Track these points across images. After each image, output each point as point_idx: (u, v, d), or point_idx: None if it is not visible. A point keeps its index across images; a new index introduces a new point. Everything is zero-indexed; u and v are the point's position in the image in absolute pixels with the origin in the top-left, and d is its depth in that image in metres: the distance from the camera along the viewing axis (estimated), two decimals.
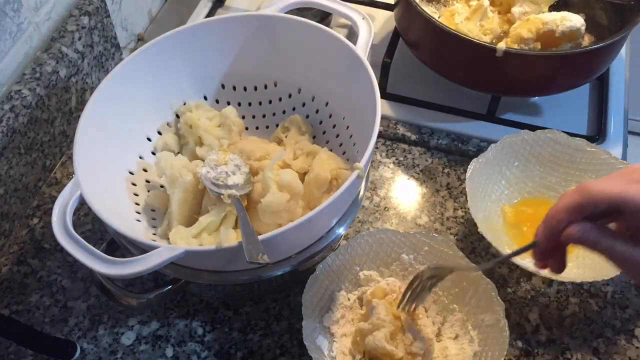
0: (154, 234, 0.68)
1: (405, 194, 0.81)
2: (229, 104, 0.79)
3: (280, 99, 0.79)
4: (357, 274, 0.69)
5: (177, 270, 0.61)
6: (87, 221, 0.78)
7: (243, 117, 0.79)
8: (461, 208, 0.80)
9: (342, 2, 0.76)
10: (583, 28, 0.80)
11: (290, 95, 0.78)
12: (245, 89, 0.79)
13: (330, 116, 0.76)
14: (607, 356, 0.68)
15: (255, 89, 0.79)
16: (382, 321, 0.63)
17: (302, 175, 0.70)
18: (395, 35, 0.92)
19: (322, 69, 0.74)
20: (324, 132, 0.77)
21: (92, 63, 0.86)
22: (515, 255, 0.60)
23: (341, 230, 0.64)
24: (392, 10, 0.95)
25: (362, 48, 0.70)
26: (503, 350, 0.61)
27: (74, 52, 0.81)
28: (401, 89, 0.91)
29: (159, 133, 0.76)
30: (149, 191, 0.72)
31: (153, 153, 0.74)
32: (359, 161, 0.60)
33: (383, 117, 0.87)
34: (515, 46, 0.80)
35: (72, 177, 0.61)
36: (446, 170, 0.84)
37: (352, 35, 0.97)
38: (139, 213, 0.69)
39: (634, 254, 0.48)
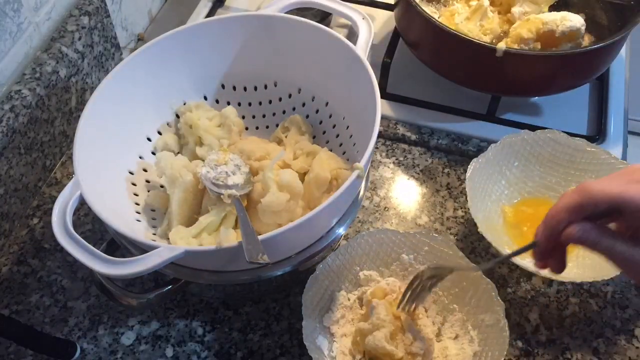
0: (154, 234, 0.68)
1: (405, 194, 0.82)
2: (229, 104, 0.79)
3: (280, 99, 0.79)
4: (357, 274, 0.69)
5: (177, 270, 0.61)
6: (87, 221, 0.78)
7: (243, 117, 0.79)
8: (461, 208, 0.80)
9: (342, 2, 0.76)
10: (583, 28, 0.80)
11: (290, 95, 0.78)
12: (245, 89, 0.79)
13: (330, 116, 0.76)
14: (607, 356, 0.68)
15: (255, 89, 0.79)
16: (382, 321, 0.63)
17: (302, 175, 0.70)
18: (395, 35, 0.92)
19: (322, 69, 0.74)
20: (324, 132, 0.77)
21: (92, 63, 0.86)
22: (515, 255, 0.60)
23: (341, 230, 0.64)
24: (392, 10, 0.95)
25: (362, 48, 0.70)
26: (503, 350, 0.61)
27: (74, 52, 0.81)
28: (401, 89, 0.91)
29: (159, 133, 0.76)
30: (149, 191, 0.72)
31: (153, 153, 0.74)
32: (359, 161, 0.60)
33: (383, 117, 0.87)
34: (515, 46, 0.80)
35: (72, 177, 0.61)
36: (446, 170, 0.84)
37: (352, 35, 0.97)
38: (139, 213, 0.69)
39: (634, 253, 0.48)
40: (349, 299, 0.68)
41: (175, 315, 0.70)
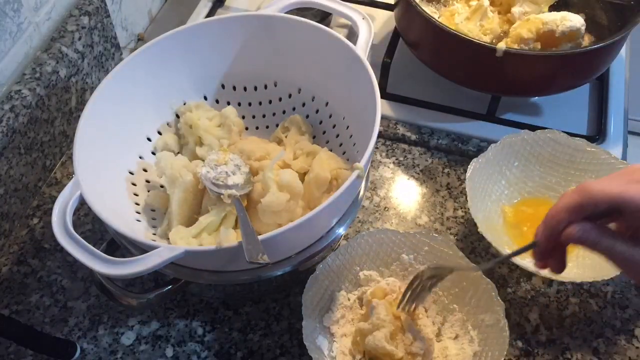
0: (154, 234, 0.68)
1: (405, 194, 0.81)
2: (229, 104, 0.79)
3: (280, 99, 0.79)
4: (357, 274, 0.69)
5: (177, 270, 0.61)
6: (87, 221, 0.78)
7: (243, 117, 0.79)
8: (461, 208, 0.80)
9: (342, 2, 0.76)
10: (583, 28, 0.80)
11: (290, 95, 0.78)
12: (245, 89, 0.79)
13: (330, 116, 0.76)
14: (607, 356, 0.68)
15: (255, 89, 0.79)
16: (382, 321, 0.63)
17: (302, 175, 0.70)
18: (395, 35, 0.92)
19: (322, 69, 0.74)
20: (324, 132, 0.77)
21: (92, 63, 0.86)
22: (515, 255, 0.60)
23: (341, 230, 0.64)
24: (392, 10, 0.95)
25: (362, 48, 0.70)
26: (503, 350, 0.61)
27: (74, 52, 0.81)
28: (401, 89, 0.91)
29: (159, 133, 0.76)
30: (149, 191, 0.72)
31: (153, 153, 0.74)
32: (359, 161, 0.60)
33: (383, 117, 0.87)
34: (515, 46, 0.80)
35: (72, 177, 0.61)
36: (446, 170, 0.84)
37: (352, 35, 0.97)
38: (139, 213, 0.69)
39: (634, 253, 0.48)
40: (349, 299, 0.68)
41: (175, 315, 0.70)
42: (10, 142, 0.72)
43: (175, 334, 0.69)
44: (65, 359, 0.66)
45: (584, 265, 0.70)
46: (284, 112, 0.79)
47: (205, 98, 0.79)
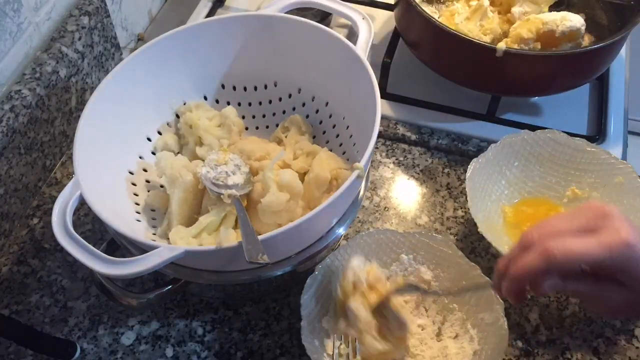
0: (154, 234, 0.68)
1: (405, 194, 0.81)
2: (229, 104, 0.79)
3: (280, 99, 0.79)
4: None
5: (177, 270, 0.61)
6: (87, 221, 0.78)
7: (243, 117, 0.79)
8: (461, 208, 0.80)
9: (342, 2, 0.76)
10: (583, 28, 0.80)
11: (290, 95, 0.78)
12: (245, 89, 0.79)
13: (330, 116, 0.76)
14: (607, 356, 0.68)
15: (255, 89, 0.79)
16: (366, 323, 0.62)
17: (302, 175, 0.70)
18: (395, 35, 0.92)
19: (322, 69, 0.74)
20: (324, 132, 0.77)
21: (92, 63, 0.86)
22: None
23: (341, 230, 0.64)
24: (392, 10, 0.95)
25: (362, 48, 0.70)
26: (502, 348, 0.61)
27: (74, 52, 0.81)
28: (401, 89, 0.91)
29: (159, 133, 0.76)
30: (149, 191, 0.72)
31: (153, 153, 0.74)
32: (359, 161, 0.60)
33: (383, 117, 0.87)
34: (515, 46, 0.80)
35: (72, 177, 0.61)
36: (446, 170, 0.84)
37: (352, 35, 0.97)
38: (139, 213, 0.69)
39: (595, 289, 0.50)
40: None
41: (175, 315, 0.70)
42: (10, 142, 0.72)
43: (175, 334, 0.69)
44: (65, 359, 0.66)
45: None
46: (284, 112, 0.79)
47: (205, 98, 0.79)
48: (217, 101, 0.79)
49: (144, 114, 0.74)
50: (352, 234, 0.77)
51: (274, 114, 0.80)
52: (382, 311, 0.63)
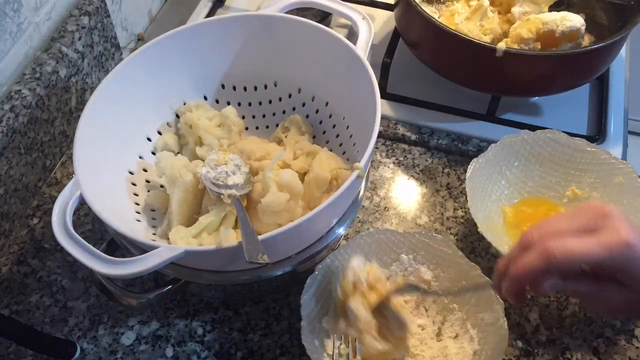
0: (154, 234, 0.68)
1: (405, 194, 0.81)
2: (229, 104, 0.79)
3: (280, 99, 0.79)
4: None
5: (177, 270, 0.61)
6: (87, 221, 0.78)
7: (243, 117, 0.79)
8: (461, 208, 0.80)
9: (342, 2, 0.76)
10: (583, 28, 0.80)
11: (290, 95, 0.78)
12: (245, 89, 0.79)
13: (330, 116, 0.76)
14: (607, 356, 0.68)
15: (255, 89, 0.79)
16: (366, 323, 0.62)
17: (302, 175, 0.70)
18: (395, 35, 0.92)
19: (322, 69, 0.74)
20: (324, 132, 0.77)
21: (92, 63, 0.86)
22: None
23: (341, 230, 0.64)
24: (392, 10, 0.95)
25: (362, 48, 0.70)
26: (502, 348, 0.61)
27: (74, 52, 0.81)
28: (401, 89, 0.91)
29: (159, 133, 0.76)
30: (149, 191, 0.72)
31: (153, 153, 0.74)
32: (359, 161, 0.60)
33: (383, 117, 0.87)
34: (515, 46, 0.80)
35: (72, 177, 0.61)
36: (446, 170, 0.84)
37: (352, 35, 0.97)
38: (139, 213, 0.69)
39: (595, 289, 0.51)
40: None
41: (175, 315, 0.70)
42: (10, 142, 0.72)
43: (175, 334, 0.69)
44: (65, 359, 0.66)
45: None
46: (284, 112, 0.79)
47: (205, 98, 0.79)
48: (217, 101, 0.79)
49: (144, 114, 0.74)
50: (352, 234, 0.77)
51: (274, 114, 0.80)
52: (382, 311, 0.63)
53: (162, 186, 0.71)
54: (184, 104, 0.77)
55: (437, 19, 0.81)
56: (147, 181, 0.72)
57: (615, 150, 0.83)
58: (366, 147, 0.61)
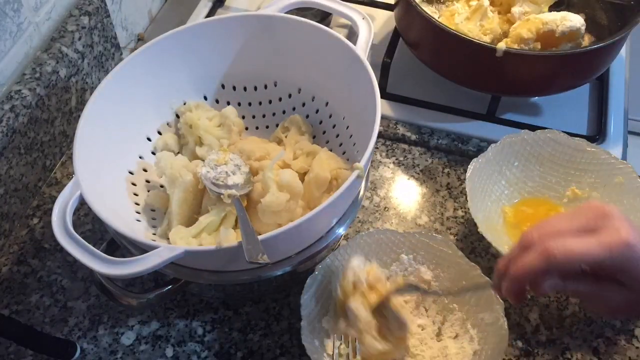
0: (154, 234, 0.68)
1: (405, 194, 0.81)
2: (229, 104, 0.79)
3: (280, 99, 0.79)
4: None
5: (177, 270, 0.61)
6: (87, 221, 0.78)
7: (243, 117, 0.79)
8: (461, 208, 0.80)
9: (342, 2, 0.76)
10: (583, 28, 0.81)
11: (290, 95, 0.78)
12: (245, 89, 0.79)
13: (330, 116, 0.76)
14: (607, 356, 0.68)
15: (255, 89, 0.79)
16: (366, 323, 0.62)
17: (302, 175, 0.70)
18: (395, 35, 0.92)
19: (322, 69, 0.74)
20: (324, 132, 0.77)
21: (92, 63, 0.86)
22: None
23: (341, 230, 0.64)
24: (392, 10, 0.95)
25: (362, 48, 0.70)
26: (502, 348, 0.61)
27: (74, 52, 0.81)
28: (401, 89, 0.91)
29: (159, 133, 0.76)
30: (149, 191, 0.72)
31: (153, 153, 0.74)
32: (359, 161, 0.60)
33: (383, 117, 0.87)
34: (515, 46, 0.80)
35: (72, 177, 0.61)
36: (446, 170, 0.84)
37: (352, 35, 0.97)
38: (139, 213, 0.69)
39: (595, 289, 0.51)
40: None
41: (175, 315, 0.70)
42: (10, 142, 0.72)
43: (175, 334, 0.69)
44: (65, 359, 0.66)
45: None
46: (284, 112, 0.79)
47: (205, 98, 0.79)
48: (217, 101, 0.79)
49: (144, 114, 0.74)
50: (352, 234, 0.77)
51: (274, 114, 0.80)
52: (382, 311, 0.63)
53: (162, 186, 0.71)
54: (184, 104, 0.77)
55: (437, 19, 0.81)
56: (147, 181, 0.72)
57: (615, 150, 0.83)
58: (366, 147, 0.61)
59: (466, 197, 0.73)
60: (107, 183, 0.66)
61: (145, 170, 0.73)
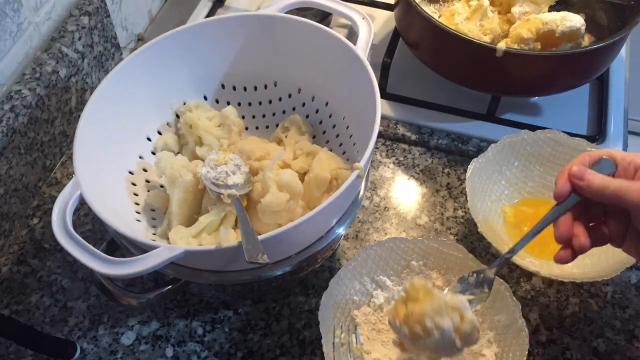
0: (154, 234, 0.68)
1: (405, 194, 0.81)
2: (229, 104, 0.79)
3: (280, 99, 0.79)
4: (367, 285, 0.68)
5: (177, 270, 0.61)
6: (87, 221, 0.78)
7: (243, 117, 0.79)
8: (461, 208, 0.80)
9: (342, 2, 0.76)
10: (583, 28, 0.81)
11: (290, 95, 0.78)
12: (245, 89, 0.79)
13: (330, 116, 0.76)
14: (607, 356, 0.68)
15: (255, 89, 0.79)
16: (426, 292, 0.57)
17: (302, 175, 0.70)
18: (395, 35, 0.92)
19: (322, 69, 0.74)
20: (324, 132, 0.77)
21: (92, 63, 0.86)
22: (524, 245, 0.60)
23: (341, 230, 0.64)
24: (392, 10, 0.95)
25: (362, 48, 0.70)
26: (525, 350, 0.60)
27: (74, 52, 0.81)
28: (401, 89, 0.91)
29: (159, 133, 0.76)
30: (149, 191, 0.72)
31: (153, 153, 0.74)
32: (359, 161, 0.60)
33: (383, 117, 0.87)
34: (515, 46, 0.80)
35: (72, 177, 0.61)
36: (446, 170, 0.84)
37: (352, 35, 0.97)
38: (139, 213, 0.69)
39: (629, 185, 0.55)
40: (364, 314, 0.67)
41: (175, 315, 0.70)
42: (10, 142, 0.72)
43: (175, 334, 0.69)
44: (65, 359, 0.66)
45: (584, 265, 0.70)
46: (284, 112, 0.79)
47: (205, 98, 0.79)
48: (217, 101, 0.79)
49: (144, 114, 0.74)
50: (352, 233, 0.77)
51: (274, 114, 0.80)
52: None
53: (162, 186, 0.71)
54: (184, 104, 0.77)
55: (437, 19, 0.81)
56: (147, 181, 0.72)
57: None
58: (366, 147, 0.61)
59: (466, 197, 0.73)
60: (107, 183, 0.66)
61: (145, 170, 0.73)
